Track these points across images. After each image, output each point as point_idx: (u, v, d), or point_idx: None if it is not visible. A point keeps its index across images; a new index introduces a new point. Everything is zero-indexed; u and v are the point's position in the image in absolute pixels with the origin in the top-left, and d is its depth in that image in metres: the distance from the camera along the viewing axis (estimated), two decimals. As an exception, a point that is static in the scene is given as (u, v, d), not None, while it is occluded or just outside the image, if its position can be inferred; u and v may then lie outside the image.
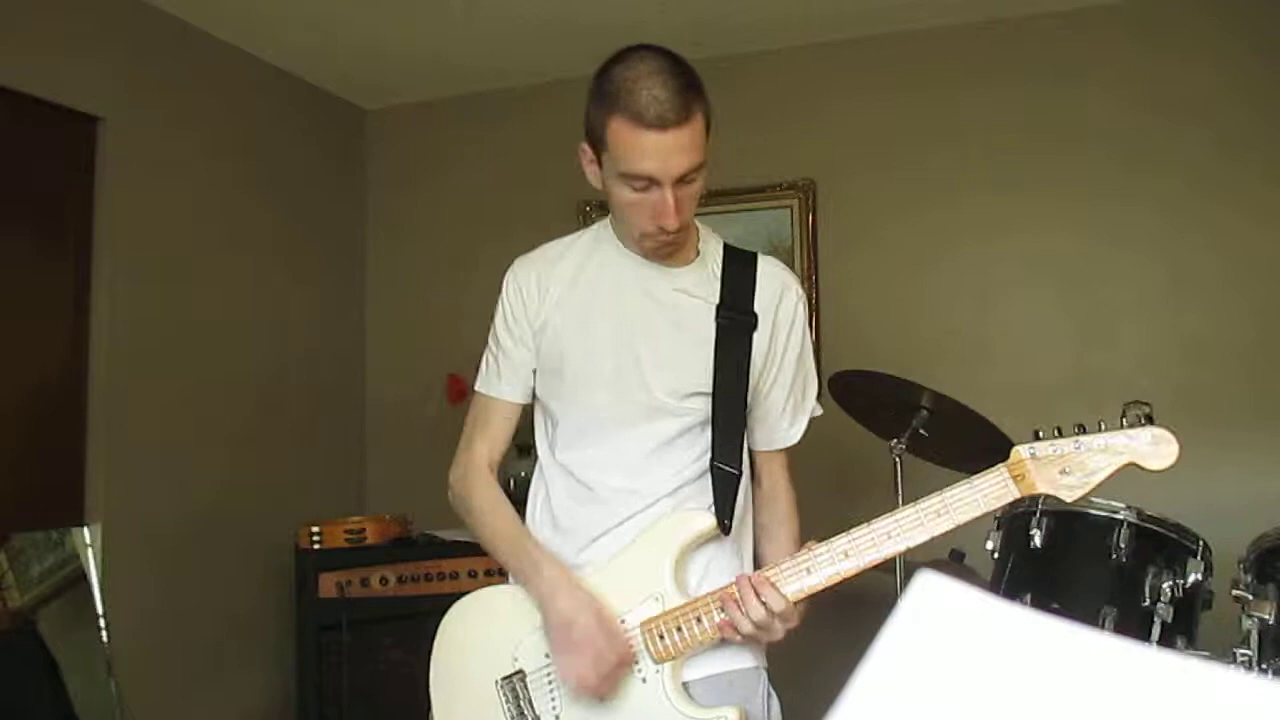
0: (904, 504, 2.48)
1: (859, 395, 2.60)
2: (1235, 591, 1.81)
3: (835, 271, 3.58)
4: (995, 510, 2.14)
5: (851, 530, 1.43)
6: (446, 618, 1.66)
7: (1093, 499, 2.01)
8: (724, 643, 1.52)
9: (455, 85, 4.01)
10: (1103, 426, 1.38)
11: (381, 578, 3.23)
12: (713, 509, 1.53)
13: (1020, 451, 1.39)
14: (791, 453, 1.70)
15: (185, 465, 3.27)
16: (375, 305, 4.21)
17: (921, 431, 2.46)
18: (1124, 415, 1.38)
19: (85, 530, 2.89)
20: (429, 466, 3.95)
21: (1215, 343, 3.15)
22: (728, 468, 1.54)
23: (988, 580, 2.16)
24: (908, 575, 2.38)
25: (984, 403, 2.41)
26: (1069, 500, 1.39)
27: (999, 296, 3.39)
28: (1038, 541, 1.98)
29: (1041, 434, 1.39)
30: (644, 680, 1.48)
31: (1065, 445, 1.37)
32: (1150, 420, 1.37)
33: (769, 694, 1.60)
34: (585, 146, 1.51)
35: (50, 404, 2.96)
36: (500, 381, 1.65)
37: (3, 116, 2.82)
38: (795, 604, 1.44)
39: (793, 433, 1.66)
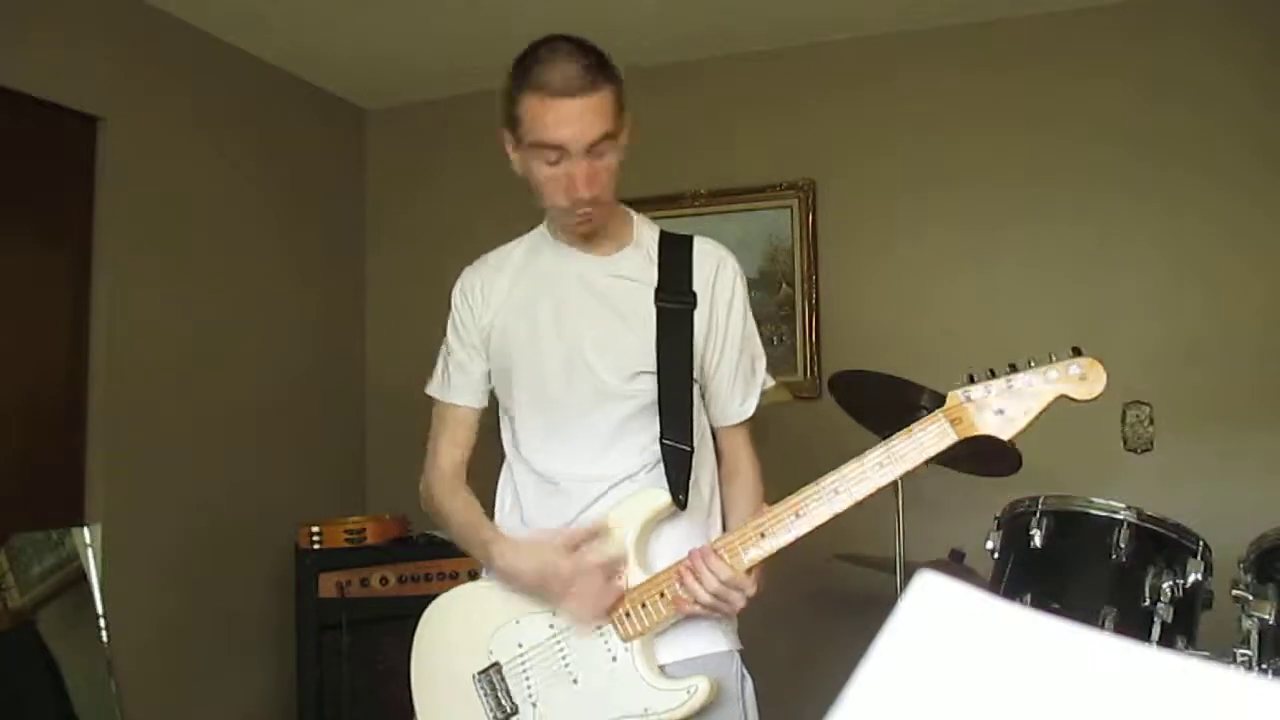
0: (903, 504, 2.50)
1: (859, 395, 2.60)
2: (1235, 591, 1.81)
3: (835, 271, 3.58)
4: (996, 511, 2.17)
5: (801, 489, 1.45)
6: (422, 619, 1.70)
7: (1093, 499, 2.01)
8: (695, 623, 1.54)
9: (455, 85, 4.01)
10: (1032, 364, 1.42)
11: (381, 578, 3.23)
12: (665, 485, 1.55)
13: (956, 396, 1.44)
14: (754, 426, 1.71)
15: (185, 465, 3.27)
16: (375, 305, 4.21)
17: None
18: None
19: (85, 530, 2.88)
20: (429, 466, 3.96)
21: (1215, 343, 3.15)
22: (678, 444, 1.57)
23: (988, 580, 2.16)
24: (908, 575, 2.38)
25: (984, 403, 2.40)
26: (1005, 438, 1.42)
27: (999, 296, 3.39)
28: (1038, 541, 1.98)
29: (975, 378, 1.43)
30: (614, 659, 1.51)
31: (998, 385, 1.42)
32: (1078, 352, 1.41)
33: (743, 675, 1.62)
34: (504, 131, 1.57)
35: (50, 404, 2.96)
36: (451, 388, 1.74)
37: (3, 116, 2.82)
38: (749, 571, 1.46)
39: (745, 408, 1.68)
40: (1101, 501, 2.00)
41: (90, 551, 2.87)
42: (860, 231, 3.56)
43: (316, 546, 3.25)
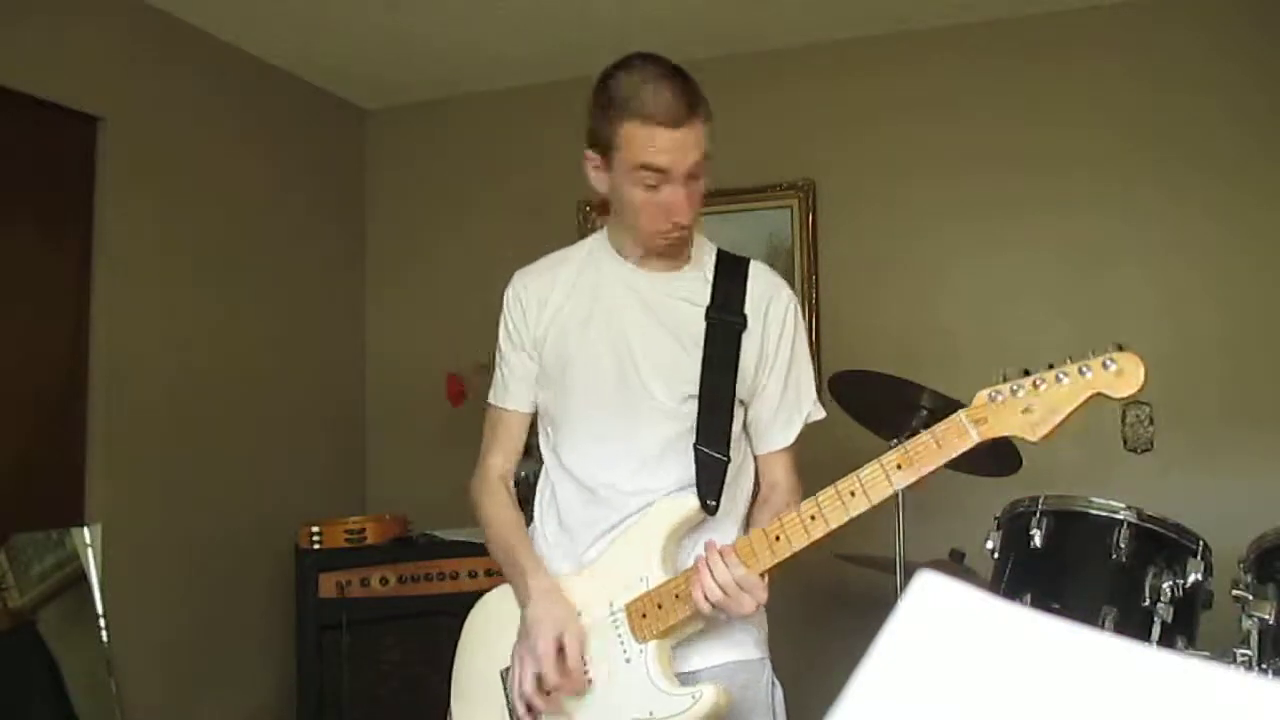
0: (902, 505, 2.50)
1: (859, 395, 2.60)
2: (1235, 591, 1.81)
3: (835, 271, 3.58)
4: (996, 511, 2.17)
5: (817, 495, 1.43)
6: (471, 613, 1.75)
7: (1093, 499, 2.01)
8: (725, 631, 1.56)
9: (455, 85, 4.01)
10: (1069, 361, 1.34)
11: (381, 578, 3.23)
12: (694, 490, 1.56)
13: (981, 396, 1.38)
14: (795, 454, 1.70)
15: (185, 465, 3.27)
16: (375, 305, 4.21)
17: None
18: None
19: (85, 530, 2.89)
20: (429, 466, 3.98)
21: (1216, 343, 3.15)
22: (712, 452, 1.57)
23: (988, 580, 2.16)
24: (908, 575, 2.38)
25: (984, 403, 2.40)
26: (1033, 440, 1.34)
27: (999, 296, 3.39)
28: (1038, 541, 1.98)
29: (1007, 376, 1.37)
30: (628, 660, 1.52)
31: (1026, 384, 1.34)
32: (1120, 347, 1.33)
33: (773, 684, 1.64)
34: (591, 153, 1.58)
35: (50, 404, 2.96)
36: (506, 393, 1.73)
37: (3, 116, 2.82)
38: (762, 575, 1.46)
39: (787, 435, 1.68)
40: (1101, 501, 2.00)
41: (90, 551, 2.87)
42: (860, 231, 3.56)
43: (316, 546, 3.25)
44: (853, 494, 1.41)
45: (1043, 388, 1.33)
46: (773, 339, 1.64)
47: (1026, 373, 1.36)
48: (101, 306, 3.05)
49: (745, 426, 1.67)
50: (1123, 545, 1.92)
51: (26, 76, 2.84)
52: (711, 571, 1.45)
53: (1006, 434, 1.36)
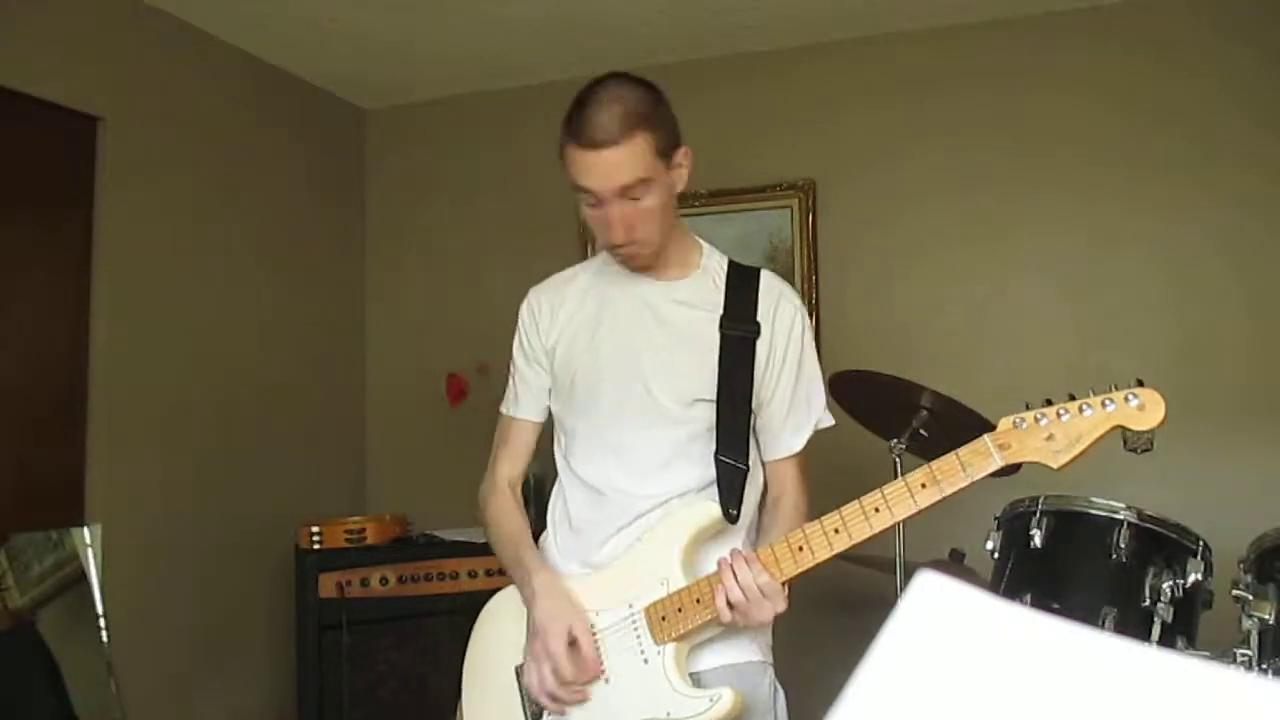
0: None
1: (859, 395, 2.60)
2: (1235, 591, 1.81)
3: (835, 271, 3.58)
4: (996, 511, 2.17)
5: (841, 508, 1.46)
6: (483, 611, 1.77)
7: (1093, 499, 2.01)
8: (731, 634, 1.57)
9: (455, 85, 4.01)
10: (1092, 393, 1.39)
11: (381, 578, 3.23)
12: (717, 499, 1.58)
13: (1007, 421, 1.43)
14: (804, 461, 1.72)
15: (185, 465, 3.27)
16: (375, 305, 4.21)
17: (921, 431, 2.46)
18: (1114, 387, 1.40)
19: (85, 530, 2.88)
20: (429, 466, 3.98)
21: (1215, 343, 3.15)
22: (733, 462, 1.60)
23: (988, 580, 2.16)
24: (908, 575, 2.38)
25: (984, 403, 2.40)
26: (1055, 467, 1.40)
27: (999, 296, 3.39)
28: (1038, 541, 1.98)
29: (1030, 406, 1.42)
30: (645, 661, 1.53)
31: (1050, 413, 1.40)
32: (1140, 383, 1.39)
33: (775, 687, 1.65)
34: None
35: (50, 404, 2.96)
36: (517, 403, 1.78)
37: (3, 116, 2.82)
38: (784, 583, 1.48)
39: (795, 441, 1.69)
40: (1101, 501, 2.00)
41: (90, 551, 2.87)
42: (860, 231, 3.56)
43: (316, 546, 3.25)
44: (877, 510, 1.44)
45: (1065, 417, 1.39)
46: (780, 344, 1.66)
47: (1049, 402, 1.41)
48: (101, 306, 3.05)
49: (755, 433, 1.68)
50: (1123, 545, 1.92)
51: (26, 76, 2.84)
52: (736, 575, 1.47)
53: (1029, 460, 1.41)
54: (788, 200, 3.63)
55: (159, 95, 3.25)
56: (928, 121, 3.49)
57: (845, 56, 3.62)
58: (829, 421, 1.73)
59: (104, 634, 2.85)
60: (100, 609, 2.85)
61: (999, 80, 3.43)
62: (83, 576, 2.85)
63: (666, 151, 1.55)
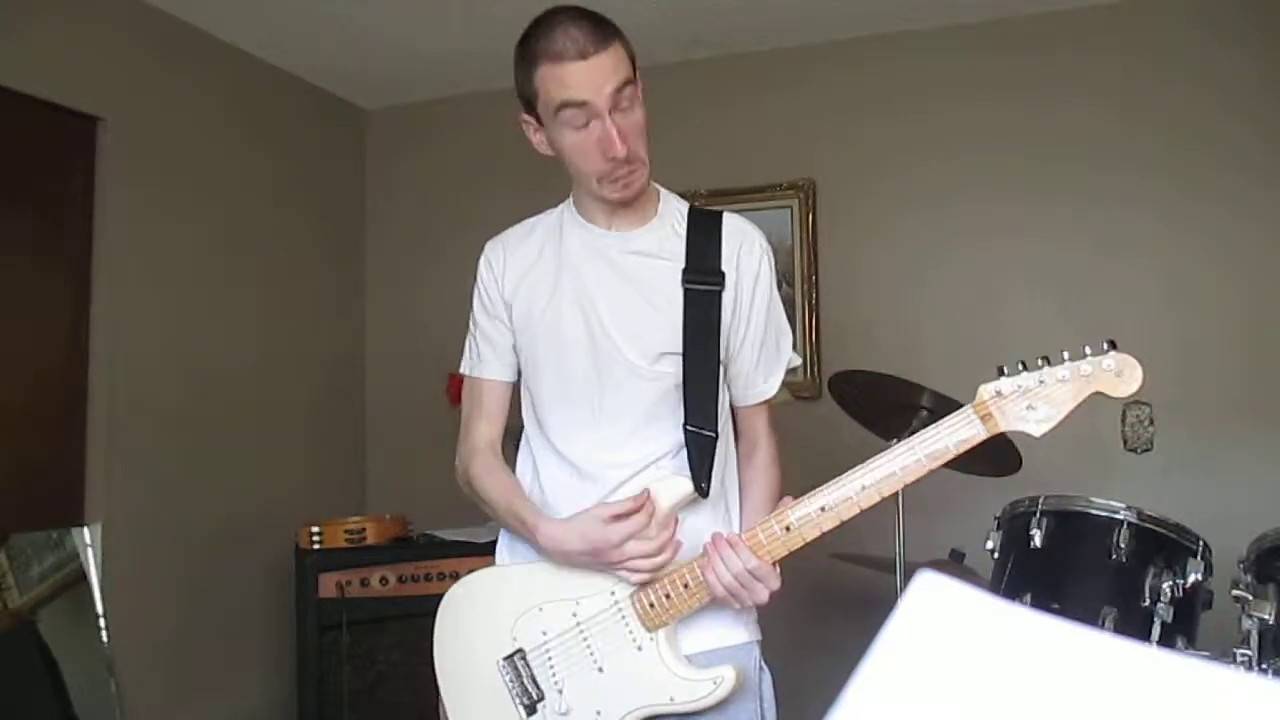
0: (901, 505, 2.50)
1: (859, 395, 2.61)
2: (1235, 591, 1.81)
3: (835, 271, 3.58)
4: (996, 511, 2.17)
5: (825, 485, 1.44)
6: (441, 607, 1.68)
7: (1093, 499, 2.01)
8: (715, 614, 1.54)
9: (455, 85, 4.01)
10: (1066, 358, 1.37)
11: (381, 578, 3.23)
12: (688, 473, 1.54)
13: (985, 390, 1.39)
14: (774, 410, 1.70)
15: (185, 465, 3.27)
16: (375, 305, 4.21)
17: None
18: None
19: (85, 530, 2.89)
20: (429, 466, 3.97)
21: (1214, 344, 3.15)
22: (702, 431, 1.56)
23: (988, 580, 2.16)
24: (908, 575, 2.38)
25: (984, 403, 2.40)
26: (1037, 435, 1.37)
27: (999, 296, 3.39)
28: (1038, 541, 1.99)
29: (1006, 370, 1.38)
30: (639, 648, 1.50)
31: (1029, 380, 1.37)
32: (1114, 346, 1.37)
33: (760, 667, 1.62)
34: (526, 117, 1.58)
35: (50, 404, 2.96)
36: (482, 362, 1.69)
37: (3, 116, 2.82)
38: (775, 563, 1.45)
39: (768, 386, 1.66)
40: (1101, 501, 2.00)
41: (90, 551, 2.88)
42: (860, 232, 3.56)
43: (316, 546, 3.25)
44: (863, 487, 1.41)
45: (1045, 386, 1.36)
46: (747, 291, 1.61)
47: (1023, 365, 1.38)
48: (101, 306, 3.05)
49: (726, 383, 1.63)
50: (1123, 545, 1.92)
51: (27, 77, 2.84)
52: (726, 561, 1.44)
53: (1012, 429, 1.38)
54: (788, 200, 3.63)
55: (159, 95, 3.25)
56: (928, 122, 3.49)
57: (845, 57, 3.62)
58: (796, 360, 1.70)
59: (104, 634, 2.85)
60: (100, 609, 2.85)
61: (999, 83, 3.43)
62: (82, 576, 2.85)
63: (634, 63, 1.51)
